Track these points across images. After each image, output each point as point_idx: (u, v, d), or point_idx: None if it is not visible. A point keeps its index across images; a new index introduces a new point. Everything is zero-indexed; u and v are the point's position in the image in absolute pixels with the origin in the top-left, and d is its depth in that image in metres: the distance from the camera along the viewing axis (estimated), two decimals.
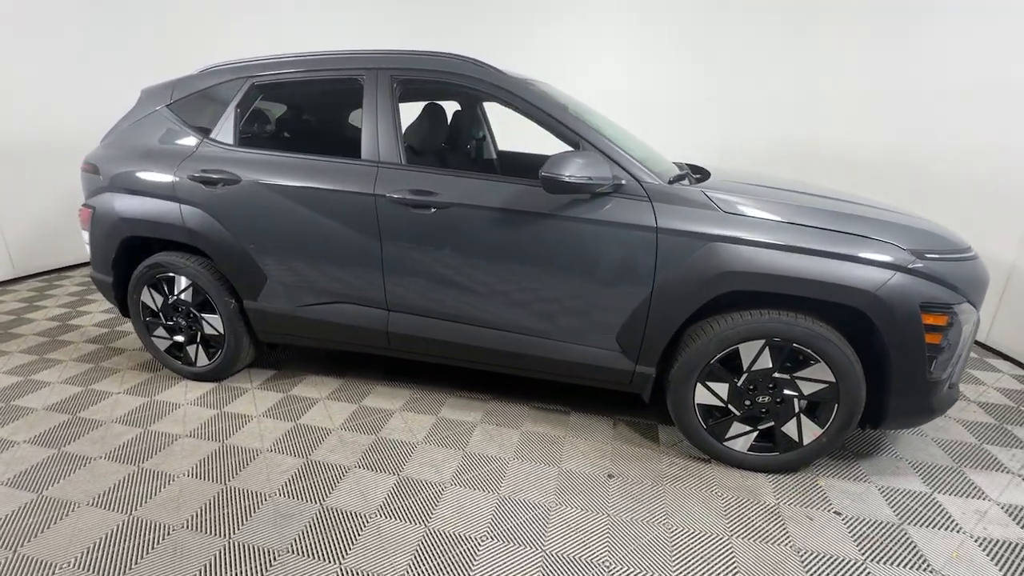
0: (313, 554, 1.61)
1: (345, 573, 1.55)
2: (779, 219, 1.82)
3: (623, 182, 1.91)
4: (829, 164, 4.42)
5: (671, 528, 1.75)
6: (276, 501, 1.84)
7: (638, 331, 1.99)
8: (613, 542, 1.68)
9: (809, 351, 1.82)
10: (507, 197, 2.01)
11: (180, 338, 2.60)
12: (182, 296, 2.51)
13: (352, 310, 2.32)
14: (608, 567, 1.59)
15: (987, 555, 1.65)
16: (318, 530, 1.71)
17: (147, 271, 2.50)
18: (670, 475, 2.02)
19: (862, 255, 1.74)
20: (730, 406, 1.97)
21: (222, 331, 2.51)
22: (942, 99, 3.43)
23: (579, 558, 1.62)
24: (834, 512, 1.83)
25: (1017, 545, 1.69)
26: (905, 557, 1.64)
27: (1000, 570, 1.60)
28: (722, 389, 1.96)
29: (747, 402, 1.95)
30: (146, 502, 1.83)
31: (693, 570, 1.58)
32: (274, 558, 1.60)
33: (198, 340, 2.59)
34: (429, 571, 1.56)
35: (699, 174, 2.34)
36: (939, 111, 3.45)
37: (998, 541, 1.71)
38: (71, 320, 3.53)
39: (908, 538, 1.72)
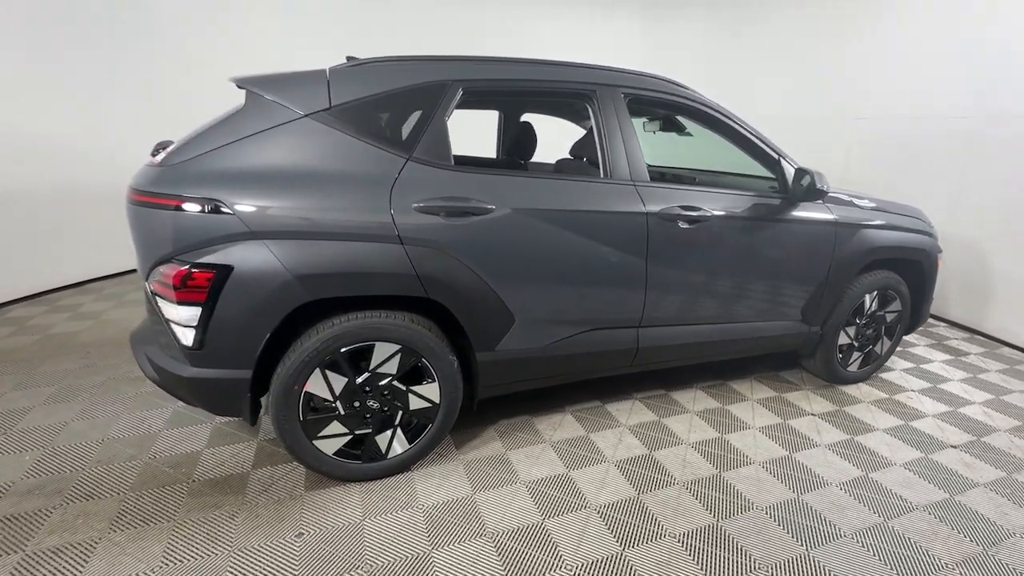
0: None
1: None
2: (885, 211, 2.74)
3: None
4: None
5: (864, 431, 2.49)
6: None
7: (816, 301, 2.62)
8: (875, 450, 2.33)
9: (893, 293, 2.82)
10: (747, 207, 2.33)
11: (366, 429, 1.90)
12: (381, 369, 1.84)
13: (602, 335, 2.20)
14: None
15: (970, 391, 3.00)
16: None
17: (328, 345, 1.73)
18: (830, 397, 2.77)
19: (915, 228, 2.82)
20: (854, 342, 2.84)
21: (438, 400, 1.96)
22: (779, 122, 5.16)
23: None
24: (911, 391, 2.92)
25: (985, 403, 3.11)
26: (955, 397, 2.83)
27: (983, 396, 2.93)
28: (851, 331, 2.80)
29: (860, 336, 2.85)
30: None
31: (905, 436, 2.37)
32: None
33: (397, 422, 1.94)
34: None
35: None
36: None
37: (950, 376, 3.09)
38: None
39: (948, 391, 2.93)
